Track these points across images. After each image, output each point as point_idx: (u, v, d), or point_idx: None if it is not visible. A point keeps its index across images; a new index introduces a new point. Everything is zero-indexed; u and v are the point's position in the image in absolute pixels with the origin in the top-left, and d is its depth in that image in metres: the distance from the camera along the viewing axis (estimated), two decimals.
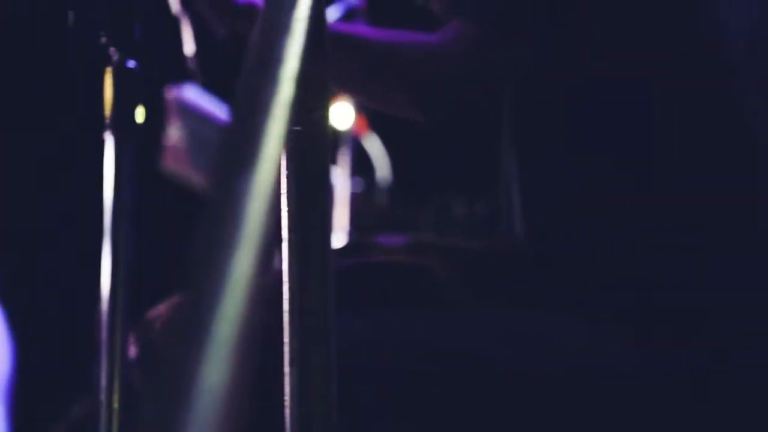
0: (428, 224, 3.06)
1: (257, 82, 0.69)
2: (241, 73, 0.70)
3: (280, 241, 0.97)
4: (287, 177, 0.95)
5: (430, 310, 1.68)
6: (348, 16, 2.35)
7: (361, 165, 2.81)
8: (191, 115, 2.54)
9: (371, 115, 2.90)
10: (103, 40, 1.34)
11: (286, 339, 0.93)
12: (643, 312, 1.58)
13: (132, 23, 1.33)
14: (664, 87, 1.62)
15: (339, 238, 2.55)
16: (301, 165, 0.94)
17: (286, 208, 0.95)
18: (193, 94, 2.55)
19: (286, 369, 0.95)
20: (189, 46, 1.61)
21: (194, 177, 2.72)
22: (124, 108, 1.35)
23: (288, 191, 0.95)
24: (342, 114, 2.68)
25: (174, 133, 2.70)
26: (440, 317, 1.64)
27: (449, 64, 1.64)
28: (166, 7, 1.56)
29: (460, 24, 1.65)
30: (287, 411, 0.95)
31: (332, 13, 2.33)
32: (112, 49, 1.34)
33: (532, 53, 1.63)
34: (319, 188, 0.94)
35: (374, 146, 2.95)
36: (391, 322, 1.61)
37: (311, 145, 0.93)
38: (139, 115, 1.36)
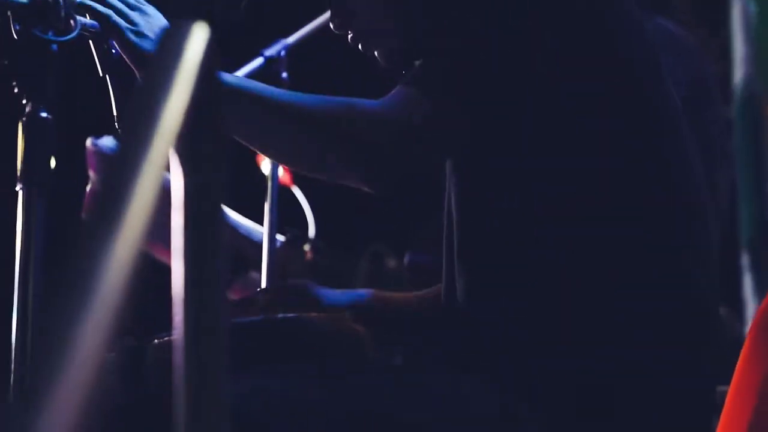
0: (360, 277, 3.05)
1: (135, 133, 0.68)
2: (123, 122, 0.70)
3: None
4: (182, 230, 0.94)
5: (349, 370, 1.67)
6: (267, 66, 2.35)
7: (290, 216, 2.80)
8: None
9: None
10: (16, 90, 1.33)
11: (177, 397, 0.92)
12: (553, 384, 1.57)
13: (45, 74, 1.32)
14: (602, 144, 1.62)
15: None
16: (194, 217, 0.93)
17: (180, 262, 0.94)
18: (114, 144, 2.54)
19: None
20: (113, 110, 1.59)
21: None
22: (36, 159, 1.34)
23: (184, 246, 0.94)
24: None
25: (95, 183, 2.68)
26: (357, 378, 1.62)
27: (398, 133, 1.60)
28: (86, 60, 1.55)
29: (407, 90, 1.61)
30: None
31: (252, 66, 2.33)
32: (24, 100, 1.33)
33: (479, 120, 1.61)
34: (212, 241, 0.93)
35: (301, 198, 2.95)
36: (303, 380, 1.59)
37: (205, 198, 0.93)
38: (52, 165, 1.34)
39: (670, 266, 1.62)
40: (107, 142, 2.52)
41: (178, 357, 0.96)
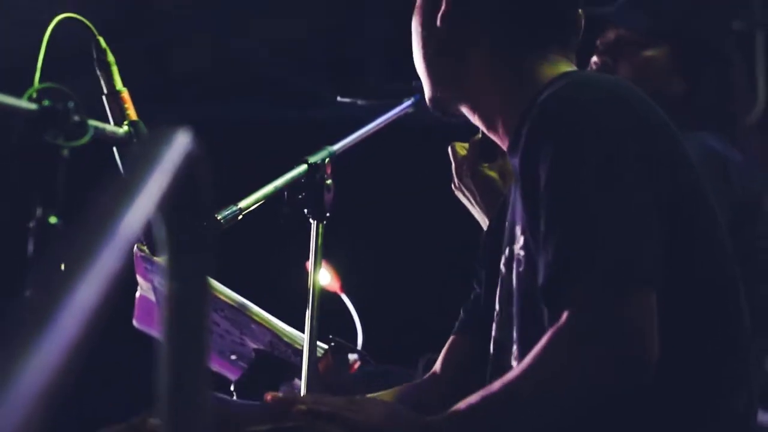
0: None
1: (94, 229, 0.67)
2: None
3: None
4: (168, 332, 0.93)
5: None
6: (310, 173, 2.35)
7: (339, 325, 2.78)
8: (155, 270, 2.52)
9: (345, 277, 2.90)
10: (26, 195, 1.33)
11: None
12: None
13: (54, 179, 1.32)
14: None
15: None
16: (180, 321, 0.91)
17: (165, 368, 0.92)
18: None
19: None
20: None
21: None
22: (44, 264, 1.33)
23: (168, 351, 0.92)
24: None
25: (143, 288, 2.69)
26: None
27: (605, 353, 1.54)
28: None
29: (581, 303, 1.55)
30: None
31: (296, 172, 2.32)
32: (33, 205, 1.32)
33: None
34: (195, 345, 0.91)
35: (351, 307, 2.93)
36: None
37: (189, 303, 0.91)
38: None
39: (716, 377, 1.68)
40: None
41: None
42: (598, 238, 1.56)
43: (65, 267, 0.64)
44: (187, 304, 0.90)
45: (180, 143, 0.86)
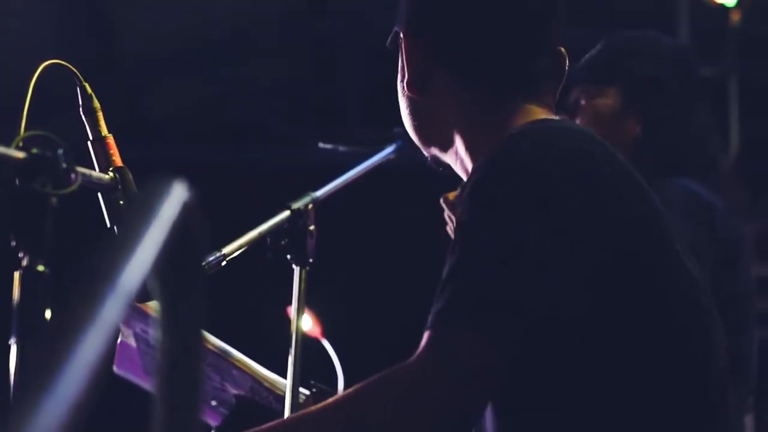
0: None
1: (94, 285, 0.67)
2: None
3: None
4: (161, 391, 0.92)
5: None
6: (293, 219, 2.35)
7: (319, 369, 2.77)
8: (137, 317, 2.51)
9: (325, 323, 2.89)
10: (12, 243, 1.32)
11: None
12: None
13: (42, 227, 1.31)
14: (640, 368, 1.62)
15: None
16: (174, 376, 0.91)
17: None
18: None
19: None
20: None
21: (145, 380, 2.68)
22: (31, 313, 1.32)
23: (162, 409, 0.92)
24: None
25: (124, 334, 2.68)
26: None
27: (449, 387, 1.54)
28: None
29: (436, 335, 1.55)
30: None
31: (278, 218, 2.32)
32: (21, 253, 1.32)
33: (515, 344, 1.56)
34: (189, 407, 0.91)
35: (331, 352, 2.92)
36: None
37: (183, 358, 0.91)
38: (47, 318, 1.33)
39: None
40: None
41: None
42: (458, 279, 1.57)
43: (66, 323, 0.64)
44: (181, 357, 0.90)
45: (176, 194, 0.85)
